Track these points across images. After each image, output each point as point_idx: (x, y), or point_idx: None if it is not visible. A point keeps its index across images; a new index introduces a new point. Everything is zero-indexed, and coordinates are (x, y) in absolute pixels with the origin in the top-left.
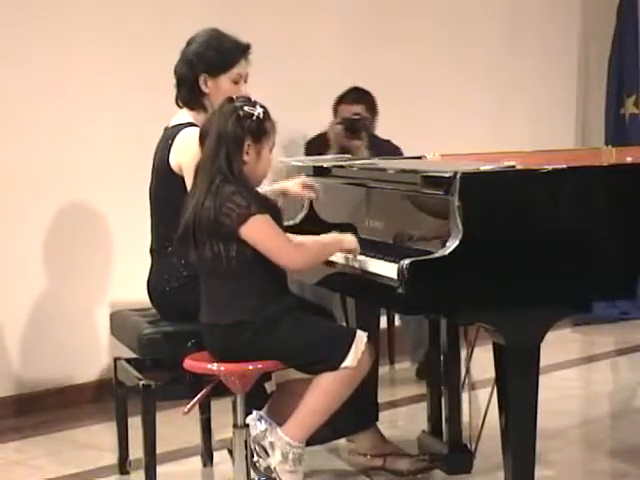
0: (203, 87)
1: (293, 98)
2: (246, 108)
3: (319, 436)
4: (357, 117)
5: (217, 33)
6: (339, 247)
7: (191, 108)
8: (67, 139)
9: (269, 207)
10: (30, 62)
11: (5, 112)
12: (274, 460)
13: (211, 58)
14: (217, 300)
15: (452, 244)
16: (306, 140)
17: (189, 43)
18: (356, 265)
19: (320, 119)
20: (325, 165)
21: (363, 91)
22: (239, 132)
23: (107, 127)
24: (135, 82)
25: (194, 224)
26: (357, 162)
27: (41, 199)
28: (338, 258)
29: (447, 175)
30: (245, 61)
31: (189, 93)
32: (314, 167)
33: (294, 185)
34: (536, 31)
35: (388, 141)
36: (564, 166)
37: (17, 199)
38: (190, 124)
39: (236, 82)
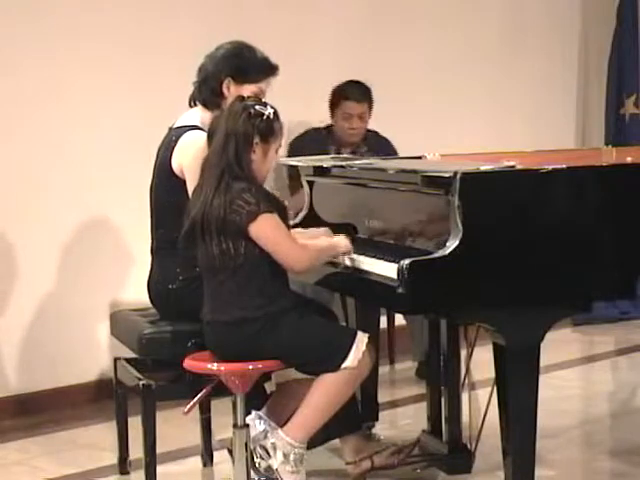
0: (225, 90)
1: (293, 98)
2: (257, 107)
3: (319, 437)
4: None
5: (248, 45)
6: (333, 252)
7: (206, 107)
8: (67, 140)
9: (277, 206)
10: (31, 64)
11: (5, 114)
12: (276, 461)
13: (241, 65)
14: (220, 297)
15: (452, 244)
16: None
17: (218, 49)
18: (352, 264)
19: (319, 118)
20: (325, 165)
21: (364, 86)
22: (249, 129)
23: (108, 128)
24: (137, 83)
25: (202, 220)
26: (357, 162)
27: (41, 200)
28: (338, 258)
29: (447, 175)
30: (268, 80)
31: (211, 93)
32: (314, 167)
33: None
34: (536, 31)
35: (387, 140)
36: (564, 166)
37: (17, 200)
38: (195, 127)
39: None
